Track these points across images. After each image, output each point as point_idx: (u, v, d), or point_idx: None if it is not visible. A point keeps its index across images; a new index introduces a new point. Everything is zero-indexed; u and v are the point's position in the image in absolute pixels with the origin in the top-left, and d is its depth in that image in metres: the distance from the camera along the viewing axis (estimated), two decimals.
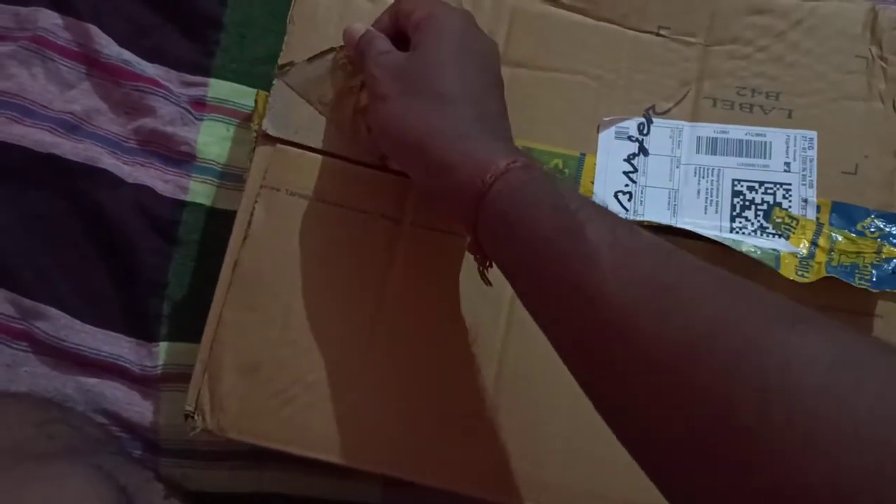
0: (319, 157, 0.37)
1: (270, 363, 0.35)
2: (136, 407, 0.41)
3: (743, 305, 0.23)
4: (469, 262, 0.36)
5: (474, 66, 0.33)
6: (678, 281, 0.24)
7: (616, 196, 0.38)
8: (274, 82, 0.38)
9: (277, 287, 0.36)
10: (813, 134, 0.38)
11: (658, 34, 0.40)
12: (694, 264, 0.25)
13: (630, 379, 0.24)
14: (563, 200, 0.27)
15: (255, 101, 0.38)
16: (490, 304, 0.36)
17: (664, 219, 0.38)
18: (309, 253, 0.36)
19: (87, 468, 0.33)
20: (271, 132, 0.37)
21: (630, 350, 0.23)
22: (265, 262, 0.36)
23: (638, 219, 0.38)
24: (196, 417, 0.34)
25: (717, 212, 0.38)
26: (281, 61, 0.38)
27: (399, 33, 0.36)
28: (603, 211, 0.27)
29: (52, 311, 0.42)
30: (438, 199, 0.33)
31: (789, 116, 0.39)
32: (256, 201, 0.36)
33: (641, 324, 0.23)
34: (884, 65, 0.39)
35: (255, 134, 0.38)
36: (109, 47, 0.45)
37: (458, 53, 0.33)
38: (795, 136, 0.39)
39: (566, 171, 0.38)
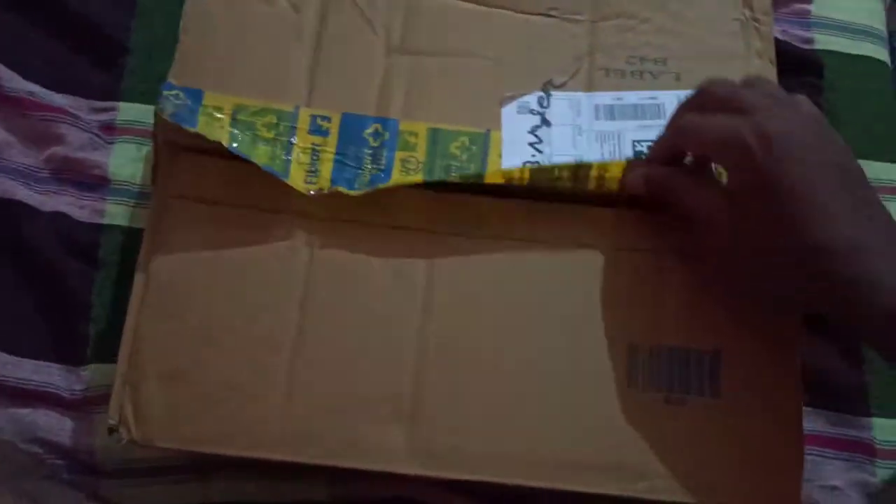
0: (223, 161, 0.38)
1: (193, 368, 0.35)
2: (70, 432, 0.41)
3: None
4: (380, 250, 0.37)
5: (833, 197, 0.30)
6: None
7: (524, 166, 0.40)
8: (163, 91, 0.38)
9: (193, 293, 0.36)
10: None
11: (548, 15, 0.42)
12: None
13: None
14: None
15: (155, 114, 0.38)
16: (405, 288, 0.37)
17: None
18: (222, 256, 0.37)
19: (9, 497, 0.32)
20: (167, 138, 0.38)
21: None
22: (177, 269, 0.36)
23: None
24: (121, 430, 0.34)
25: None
26: (173, 70, 0.39)
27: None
28: None
29: None
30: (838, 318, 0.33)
31: (677, 79, 0.41)
32: (164, 211, 0.37)
33: None
34: (757, 25, 0.42)
35: (156, 145, 0.38)
36: (13, 81, 0.46)
37: (801, 196, 0.30)
38: (684, 96, 0.40)
39: (473, 147, 0.39)
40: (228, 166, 0.37)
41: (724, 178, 0.35)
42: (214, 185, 0.37)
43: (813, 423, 0.43)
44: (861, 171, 0.32)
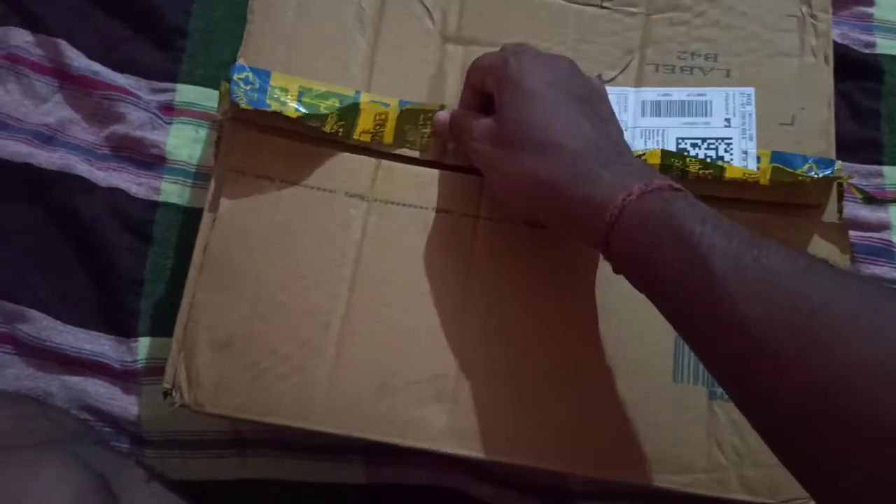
0: (281, 139, 0.38)
1: (243, 338, 0.36)
2: (119, 402, 0.42)
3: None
4: (429, 233, 0.38)
5: (566, 106, 0.33)
6: (822, 304, 0.23)
7: None
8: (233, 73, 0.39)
9: (247, 266, 0.37)
10: (751, 90, 0.40)
11: (602, 6, 0.42)
12: (836, 279, 0.24)
13: (778, 403, 0.24)
14: (685, 229, 0.27)
15: (220, 92, 0.39)
16: (452, 271, 0.37)
17: None
18: (276, 232, 0.37)
19: (63, 455, 0.33)
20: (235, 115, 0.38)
21: (775, 377, 0.23)
22: (234, 242, 0.37)
23: None
24: (174, 394, 0.35)
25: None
26: (242, 51, 0.40)
27: (487, 102, 0.37)
28: (727, 232, 0.26)
29: (34, 313, 0.43)
30: (578, 239, 0.33)
31: (727, 76, 0.41)
32: (224, 185, 0.38)
33: (786, 352, 0.23)
34: (814, 21, 0.41)
35: (220, 121, 0.39)
36: (79, 60, 0.47)
37: (542, 100, 0.33)
38: (734, 94, 0.40)
39: None
40: (287, 145, 0.38)
41: None
42: (273, 162, 0.38)
43: None
44: (602, 99, 0.35)
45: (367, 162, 0.39)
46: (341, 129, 0.38)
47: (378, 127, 0.39)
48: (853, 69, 0.47)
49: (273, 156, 0.38)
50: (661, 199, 0.29)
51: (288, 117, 0.38)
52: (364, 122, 0.39)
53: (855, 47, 0.49)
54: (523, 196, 0.33)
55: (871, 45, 0.50)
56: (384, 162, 0.39)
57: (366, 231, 0.38)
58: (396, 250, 0.38)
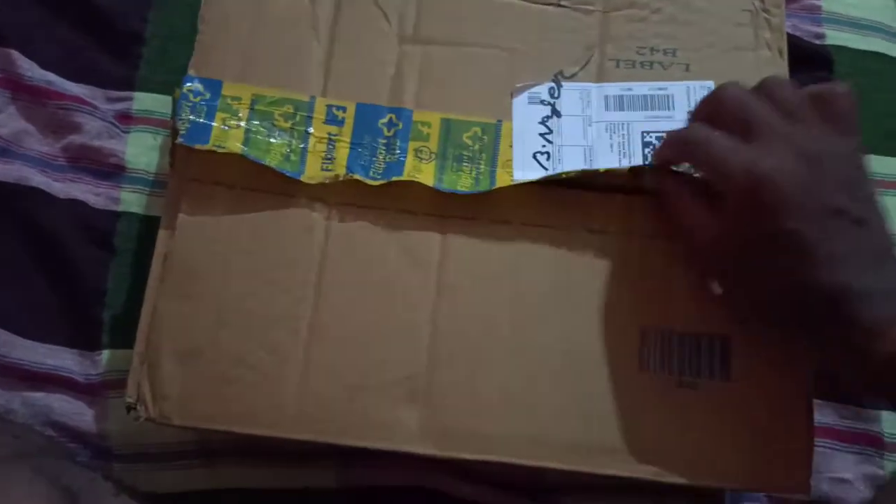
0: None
1: (209, 347, 0.35)
2: (84, 416, 0.42)
3: None
4: (393, 233, 0.37)
5: (822, 214, 0.30)
6: None
7: (535, 157, 0.40)
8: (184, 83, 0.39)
9: (209, 274, 0.36)
10: (710, 83, 0.41)
11: (559, 5, 0.43)
12: None
13: None
14: None
15: (173, 100, 0.39)
16: (419, 270, 0.37)
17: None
18: (238, 238, 0.37)
19: (30, 470, 0.33)
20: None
21: None
22: (195, 250, 0.37)
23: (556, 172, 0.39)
24: (139, 408, 0.35)
25: (629, 162, 0.40)
26: (192, 62, 0.39)
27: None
28: None
29: None
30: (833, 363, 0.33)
31: (687, 70, 0.41)
32: (181, 194, 0.37)
33: None
34: (767, 16, 0.42)
35: (173, 129, 0.38)
36: (32, 70, 0.46)
37: (793, 218, 0.30)
38: (695, 87, 0.41)
39: (485, 137, 0.40)
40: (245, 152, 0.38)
41: None
42: (231, 169, 0.38)
43: (823, 415, 0.43)
44: (868, 211, 0.31)
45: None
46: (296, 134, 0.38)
47: (329, 148, 0.39)
48: (805, 60, 0.48)
49: (230, 162, 0.38)
50: None
51: (230, 153, 0.37)
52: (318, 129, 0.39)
53: (806, 38, 0.50)
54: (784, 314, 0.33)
55: (821, 36, 0.51)
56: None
57: (329, 233, 0.37)
58: (361, 252, 0.37)
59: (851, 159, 0.32)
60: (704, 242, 0.34)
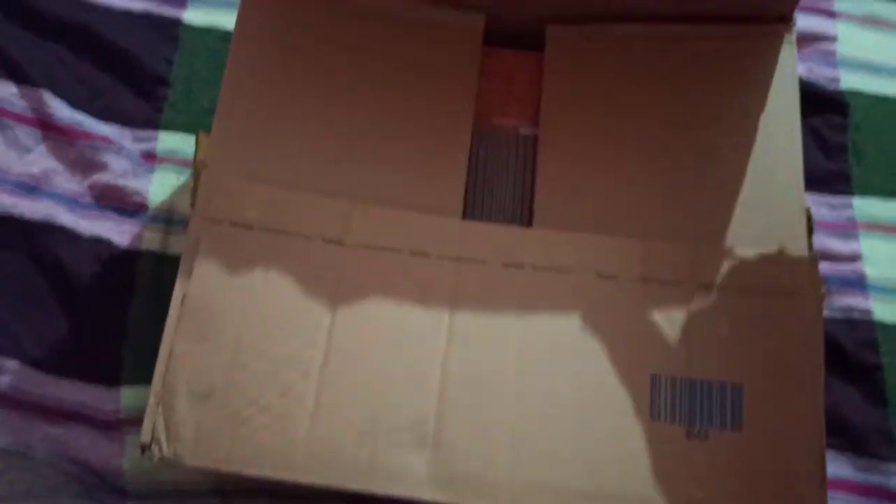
0: (258, 186, 0.39)
1: (223, 388, 0.36)
2: (102, 452, 0.42)
3: None
4: (406, 277, 0.38)
5: None
6: None
7: None
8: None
9: (226, 315, 0.37)
10: None
11: None
12: None
13: None
14: None
15: (196, 142, 0.40)
16: (430, 314, 0.38)
17: None
18: (255, 279, 0.38)
19: None
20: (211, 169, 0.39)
21: None
22: (212, 292, 0.37)
23: None
24: (153, 448, 0.35)
25: None
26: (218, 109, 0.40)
27: None
28: None
29: (15, 364, 0.43)
30: None
31: None
32: (200, 234, 0.38)
33: None
34: None
35: (197, 172, 0.39)
36: (62, 110, 0.48)
37: None
38: None
39: None
40: (263, 192, 0.39)
41: None
42: (249, 210, 0.39)
43: (838, 467, 0.43)
44: None
45: (344, 207, 0.39)
46: None
47: None
48: (820, 104, 0.49)
49: (249, 203, 0.38)
50: None
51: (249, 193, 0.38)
52: None
53: (820, 83, 0.50)
54: None
55: (836, 80, 0.51)
56: (360, 206, 0.39)
57: (343, 276, 0.38)
58: (374, 295, 0.38)
59: None
60: None
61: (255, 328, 0.37)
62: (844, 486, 0.42)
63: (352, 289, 0.38)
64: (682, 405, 0.36)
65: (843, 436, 0.43)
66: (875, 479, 0.43)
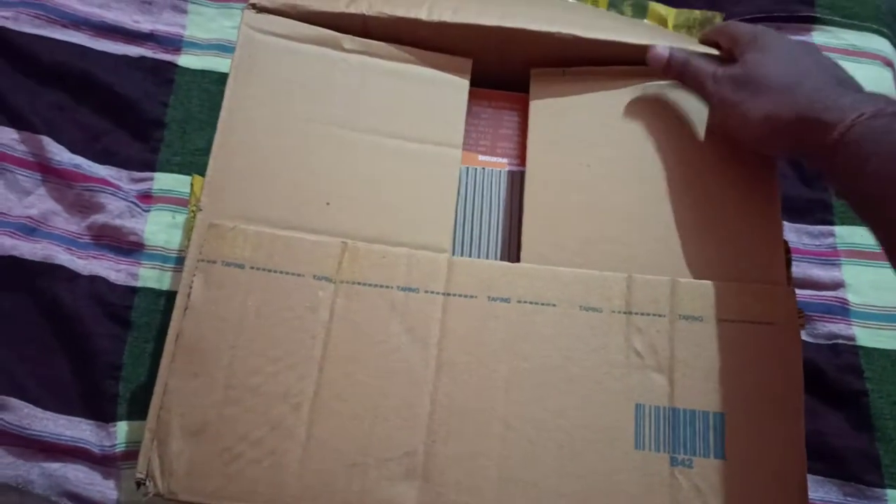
0: (250, 227, 0.40)
1: (215, 423, 0.37)
2: (98, 486, 0.43)
3: None
4: (396, 312, 0.39)
5: (803, 56, 0.39)
6: None
7: None
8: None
9: (219, 352, 0.38)
10: None
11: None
12: None
13: None
14: None
15: (191, 185, 0.41)
16: (419, 347, 0.39)
17: None
18: (247, 317, 0.39)
19: None
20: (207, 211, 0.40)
21: None
22: (205, 329, 0.38)
23: None
24: (147, 484, 0.36)
25: None
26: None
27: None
28: None
29: (15, 401, 0.44)
30: (809, 162, 0.38)
31: None
32: (194, 274, 0.39)
33: None
34: None
35: (191, 214, 0.41)
36: (61, 154, 0.49)
37: (789, 58, 0.39)
38: None
39: None
40: (255, 233, 0.40)
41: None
42: (242, 250, 0.40)
43: (826, 492, 0.43)
44: (834, 63, 0.39)
45: (334, 244, 0.40)
46: None
47: None
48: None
49: (242, 243, 0.40)
50: (890, 120, 0.33)
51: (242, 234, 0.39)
52: None
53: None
54: (763, 130, 0.38)
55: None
56: (350, 243, 0.40)
57: (334, 312, 0.39)
58: (364, 330, 0.39)
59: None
60: (721, 79, 0.40)
61: (247, 364, 0.38)
62: None
63: (342, 324, 0.39)
64: (666, 434, 0.37)
65: (830, 461, 0.44)
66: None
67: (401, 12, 0.44)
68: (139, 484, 0.36)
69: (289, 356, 0.38)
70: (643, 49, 0.44)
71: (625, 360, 0.38)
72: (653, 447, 0.37)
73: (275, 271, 0.40)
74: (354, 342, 0.39)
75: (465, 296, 0.40)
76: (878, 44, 0.56)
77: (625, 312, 0.39)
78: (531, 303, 0.40)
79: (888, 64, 0.55)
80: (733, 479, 0.36)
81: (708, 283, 0.40)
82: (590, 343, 0.39)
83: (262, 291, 0.39)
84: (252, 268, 0.40)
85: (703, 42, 0.45)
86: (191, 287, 0.39)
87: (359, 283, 0.40)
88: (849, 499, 0.43)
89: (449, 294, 0.40)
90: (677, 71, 0.43)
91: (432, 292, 0.40)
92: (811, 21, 0.56)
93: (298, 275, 0.40)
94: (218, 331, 0.38)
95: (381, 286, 0.40)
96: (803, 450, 0.37)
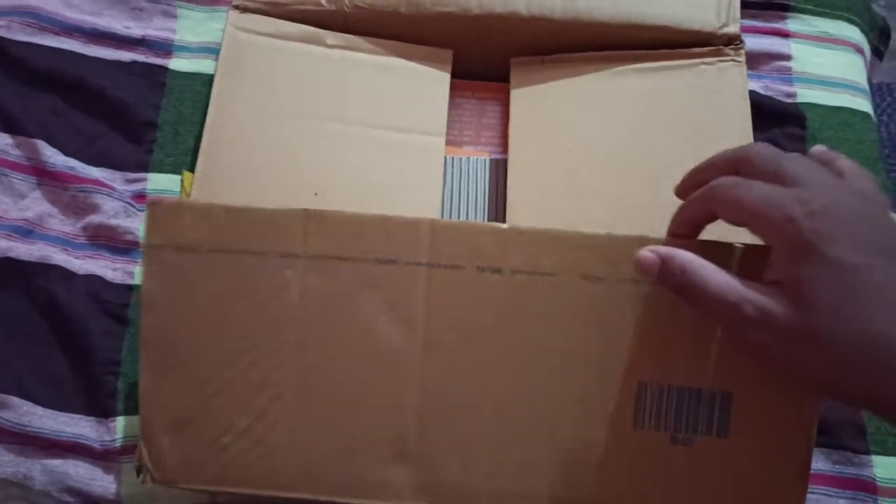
0: (204, 206, 0.37)
1: (199, 417, 0.36)
2: (99, 481, 0.44)
3: None
4: (375, 288, 0.36)
5: (888, 277, 0.26)
6: None
7: None
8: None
9: (187, 346, 0.36)
10: None
11: None
12: None
13: None
14: None
15: (181, 181, 0.42)
16: (403, 326, 0.36)
17: None
18: (210, 305, 0.36)
19: None
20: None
21: None
22: (166, 325, 0.36)
23: None
24: (144, 474, 0.37)
25: None
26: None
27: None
28: None
29: (15, 399, 0.45)
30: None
31: None
32: (149, 265, 0.36)
33: None
34: None
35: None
36: (56, 157, 0.50)
37: (858, 275, 0.26)
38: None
39: None
40: (207, 209, 0.37)
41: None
42: (194, 231, 0.36)
43: (815, 461, 0.44)
44: None
45: (296, 214, 0.36)
46: None
47: None
48: (778, 118, 0.51)
49: (194, 223, 0.36)
50: None
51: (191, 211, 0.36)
52: None
53: (777, 97, 0.53)
54: (825, 395, 0.31)
55: (793, 94, 0.53)
56: (314, 211, 0.36)
57: (305, 292, 0.36)
58: (341, 311, 0.36)
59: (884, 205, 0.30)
60: (764, 323, 0.28)
61: (220, 355, 0.36)
62: (821, 479, 0.43)
63: (315, 306, 0.36)
64: (669, 414, 0.36)
65: (819, 431, 0.44)
66: (850, 470, 0.44)
67: (380, 5, 0.45)
68: (138, 471, 0.37)
69: (261, 345, 0.36)
70: (621, 31, 0.44)
71: (628, 334, 0.35)
72: (653, 426, 0.36)
73: (233, 251, 0.36)
74: (332, 325, 0.36)
75: (452, 266, 0.36)
76: (850, 31, 0.57)
77: (631, 282, 0.35)
78: (526, 272, 0.36)
79: (859, 51, 0.56)
80: (733, 457, 0.35)
81: None
82: (590, 316, 0.35)
83: (222, 276, 0.36)
84: (208, 250, 0.36)
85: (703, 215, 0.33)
86: (148, 280, 0.36)
87: (329, 257, 0.36)
88: (837, 466, 0.44)
89: (433, 265, 0.36)
90: (676, 285, 0.31)
91: (414, 263, 0.36)
92: (785, 9, 0.57)
93: (260, 253, 0.36)
94: (179, 325, 0.36)
95: (356, 259, 0.36)
96: (809, 432, 0.35)
